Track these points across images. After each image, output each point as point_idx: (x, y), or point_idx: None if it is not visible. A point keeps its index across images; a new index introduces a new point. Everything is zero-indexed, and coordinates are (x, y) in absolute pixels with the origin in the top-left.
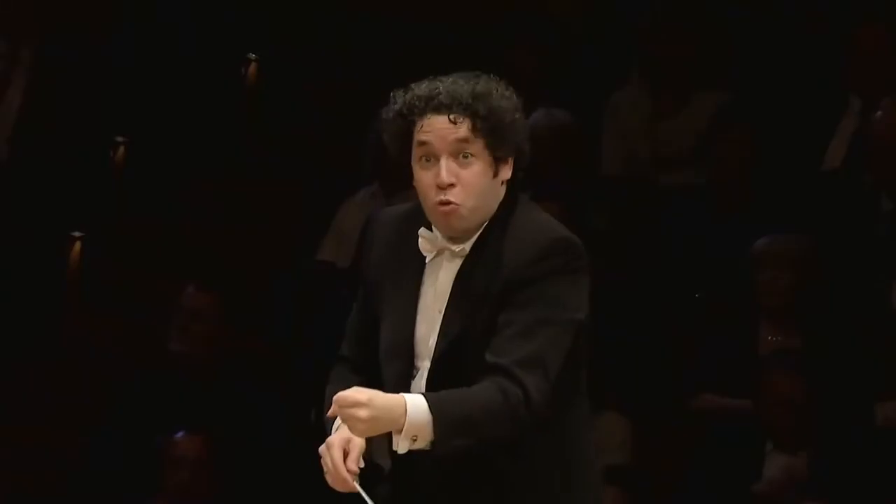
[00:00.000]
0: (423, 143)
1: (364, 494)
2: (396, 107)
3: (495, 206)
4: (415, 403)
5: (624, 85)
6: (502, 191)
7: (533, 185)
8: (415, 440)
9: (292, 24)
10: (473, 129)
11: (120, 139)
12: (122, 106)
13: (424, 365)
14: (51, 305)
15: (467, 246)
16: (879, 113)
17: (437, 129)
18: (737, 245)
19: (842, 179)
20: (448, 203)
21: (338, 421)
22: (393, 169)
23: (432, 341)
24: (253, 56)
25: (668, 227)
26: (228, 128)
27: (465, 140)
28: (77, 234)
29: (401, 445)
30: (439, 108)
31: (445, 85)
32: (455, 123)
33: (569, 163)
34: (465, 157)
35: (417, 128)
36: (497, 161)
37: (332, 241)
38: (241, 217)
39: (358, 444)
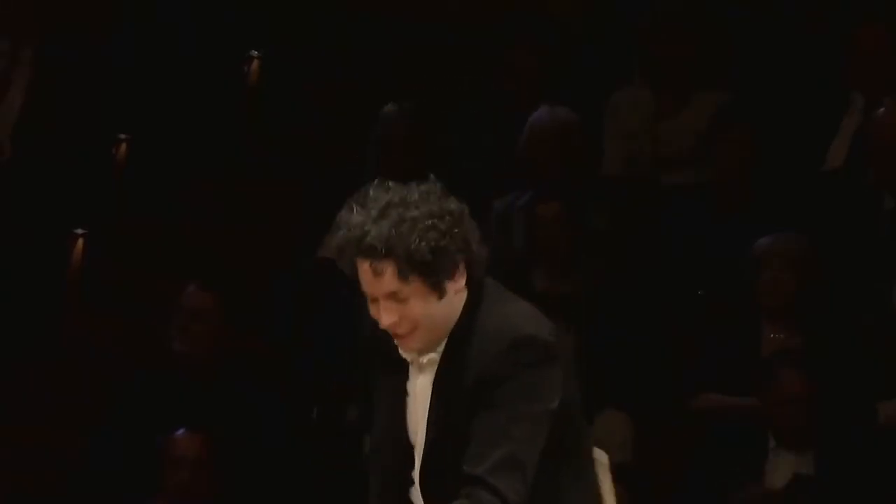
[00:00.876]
0: (362, 284)
1: None
2: (336, 241)
3: (456, 314)
4: None
5: (624, 85)
6: (461, 296)
7: (533, 184)
8: None
9: (292, 24)
10: (399, 275)
11: (122, 136)
12: (122, 105)
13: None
14: (51, 305)
15: (437, 353)
16: (881, 111)
17: (366, 277)
18: (737, 245)
19: (843, 178)
20: (400, 336)
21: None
22: (395, 167)
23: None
24: (255, 53)
25: (669, 227)
26: (229, 127)
27: (393, 289)
28: (80, 231)
29: None
30: (364, 255)
31: (369, 223)
32: (380, 274)
33: (570, 161)
34: (399, 301)
35: (357, 268)
36: (440, 286)
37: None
38: (241, 217)
39: None
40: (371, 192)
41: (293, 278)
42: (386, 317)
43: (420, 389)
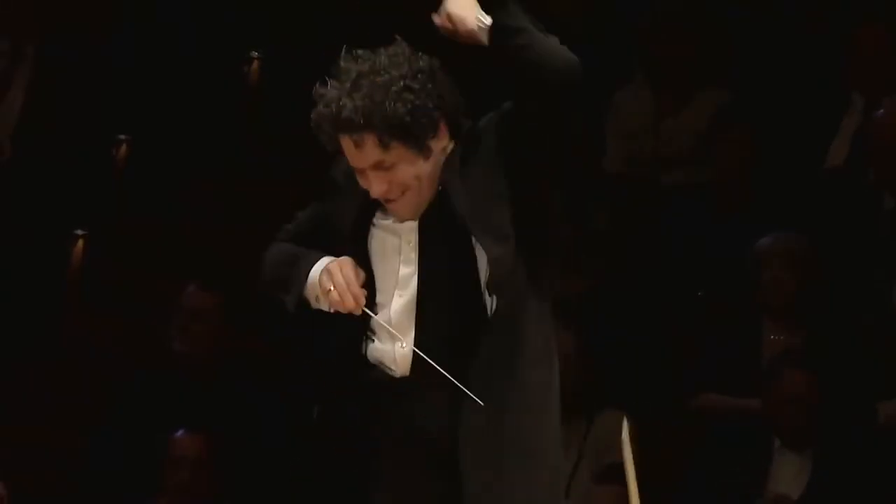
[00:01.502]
0: (347, 159)
1: (371, 313)
2: (315, 117)
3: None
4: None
5: (625, 84)
6: (447, 150)
7: None
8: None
9: (292, 24)
10: (380, 144)
11: (122, 136)
12: (122, 105)
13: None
14: (51, 305)
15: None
16: (881, 111)
17: (349, 151)
18: (737, 245)
19: (843, 178)
20: (391, 201)
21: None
22: None
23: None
24: (255, 54)
25: (669, 227)
26: (229, 128)
27: (377, 159)
28: (80, 231)
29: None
30: (343, 130)
31: (344, 96)
32: (361, 146)
33: (570, 160)
34: (385, 169)
35: (340, 143)
36: (423, 147)
37: None
38: (241, 217)
39: (360, 272)
40: (342, 64)
41: None
42: (376, 186)
43: (394, 243)
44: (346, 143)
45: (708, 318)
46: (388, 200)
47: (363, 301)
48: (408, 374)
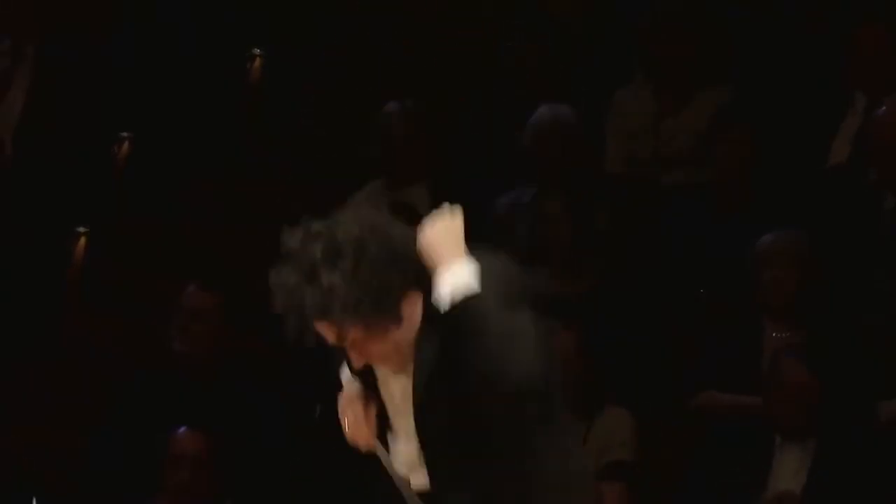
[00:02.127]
0: None
1: (382, 451)
2: (277, 306)
3: (412, 338)
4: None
5: (625, 84)
6: (418, 310)
7: (535, 182)
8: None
9: (292, 24)
10: (341, 331)
11: (124, 134)
12: (122, 105)
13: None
14: (51, 305)
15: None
16: (882, 111)
17: (321, 332)
18: (738, 244)
19: (844, 177)
20: (376, 368)
21: (345, 374)
22: (396, 166)
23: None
24: (257, 51)
25: (669, 227)
26: (229, 127)
27: (345, 343)
28: (81, 229)
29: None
30: (307, 320)
31: (301, 287)
32: (327, 331)
33: (571, 159)
34: (356, 346)
35: None
36: (389, 319)
37: None
38: (241, 217)
39: (371, 404)
40: (299, 242)
41: None
42: (354, 361)
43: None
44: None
45: (708, 317)
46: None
47: (373, 441)
48: None
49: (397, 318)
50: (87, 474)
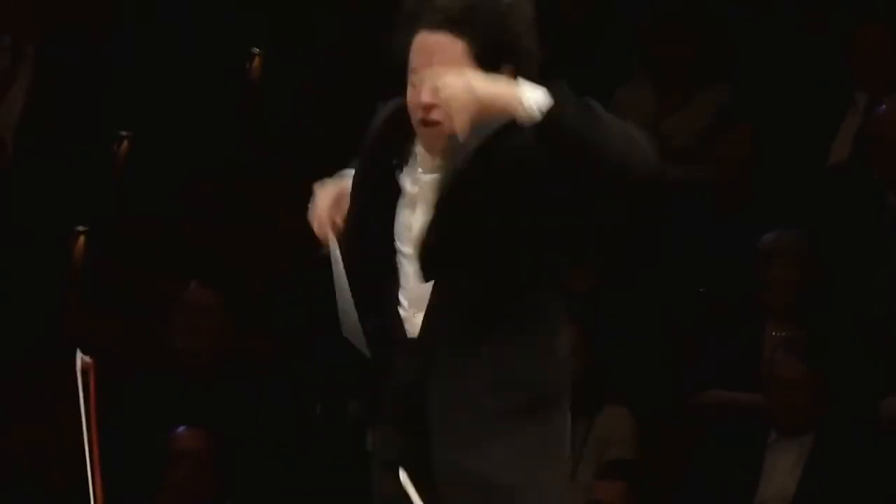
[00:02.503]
0: (411, 61)
1: (334, 249)
2: (399, 18)
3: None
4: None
5: (625, 83)
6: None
7: None
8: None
9: (292, 23)
10: (469, 54)
11: (124, 133)
12: (123, 104)
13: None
14: (50, 305)
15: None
16: (882, 109)
17: (422, 47)
18: (738, 243)
19: (845, 176)
20: (433, 122)
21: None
22: None
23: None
24: (257, 51)
25: (669, 225)
26: (229, 127)
27: (447, 65)
28: (81, 228)
29: (526, 107)
30: (427, 25)
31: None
32: (438, 44)
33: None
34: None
35: (412, 43)
36: (507, 65)
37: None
38: (242, 217)
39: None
40: None
41: (295, 277)
42: (427, 92)
43: (422, 186)
44: (422, 38)
45: (708, 316)
46: (424, 121)
47: (328, 230)
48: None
49: (511, 71)
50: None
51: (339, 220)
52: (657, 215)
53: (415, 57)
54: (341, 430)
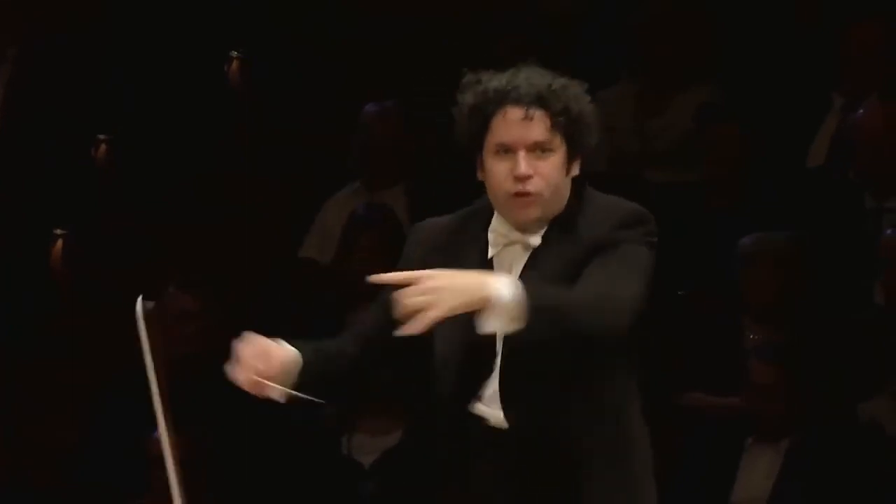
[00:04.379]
0: (499, 136)
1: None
2: (470, 99)
3: (564, 202)
4: (498, 277)
5: (612, 82)
6: (569, 186)
7: None
8: (503, 321)
9: (273, 27)
10: (552, 125)
11: (102, 137)
12: (102, 107)
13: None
14: (30, 308)
15: (540, 237)
16: (861, 111)
17: (515, 123)
18: (722, 243)
19: (826, 177)
20: (527, 194)
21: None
22: (376, 166)
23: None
24: (236, 54)
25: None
26: (209, 130)
27: (544, 137)
28: (60, 231)
29: (489, 322)
30: (517, 101)
31: (523, 77)
32: (532, 119)
33: None
34: (543, 151)
35: (494, 121)
36: (570, 157)
37: (315, 239)
38: (227, 217)
39: (280, 358)
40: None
41: (277, 278)
42: (526, 166)
43: (514, 275)
44: (513, 116)
45: (690, 317)
46: (521, 193)
47: (254, 379)
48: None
49: (570, 164)
50: (75, 477)
51: (265, 372)
52: None
53: (504, 131)
54: (317, 434)
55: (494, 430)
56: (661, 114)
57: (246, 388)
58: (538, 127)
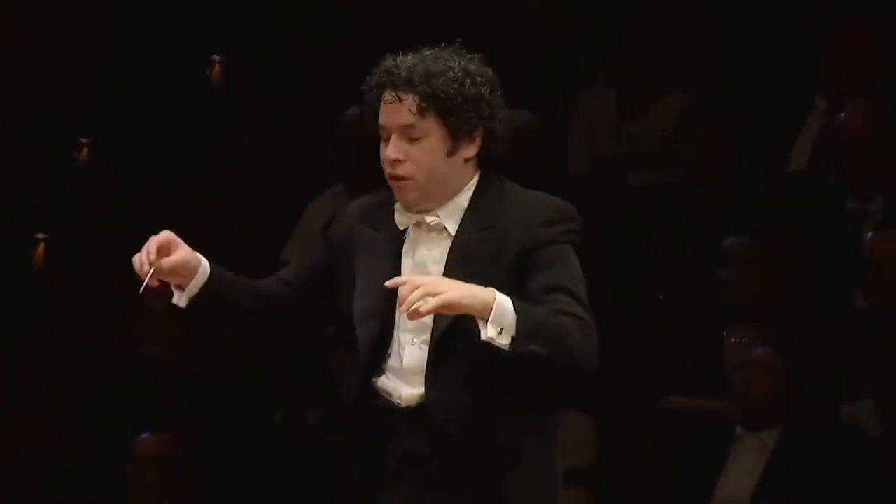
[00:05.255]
0: (379, 120)
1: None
2: (366, 83)
3: (462, 183)
4: (502, 295)
5: (592, 85)
6: (468, 168)
7: None
8: (500, 332)
9: (254, 30)
10: (419, 109)
11: (84, 140)
12: (84, 110)
13: (407, 338)
14: (15, 311)
15: (447, 220)
16: (844, 114)
17: (386, 109)
18: (704, 246)
19: (808, 180)
20: (399, 178)
21: None
22: (358, 169)
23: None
24: (217, 58)
25: (634, 229)
26: (191, 134)
27: (411, 121)
28: (41, 235)
29: (488, 331)
30: (390, 86)
31: (405, 61)
32: (401, 102)
33: (533, 164)
34: (413, 135)
35: (379, 105)
36: (454, 139)
37: (298, 241)
38: (206, 223)
39: (182, 257)
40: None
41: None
42: (393, 150)
43: (419, 255)
44: (388, 99)
45: (674, 319)
46: (393, 176)
47: (146, 266)
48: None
49: (455, 145)
50: (58, 478)
51: (162, 263)
52: (621, 219)
53: (381, 116)
54: (300, 438)
55: (395, 408)
56: (641, 117)
57: (135, 267)
58: (406, 111)
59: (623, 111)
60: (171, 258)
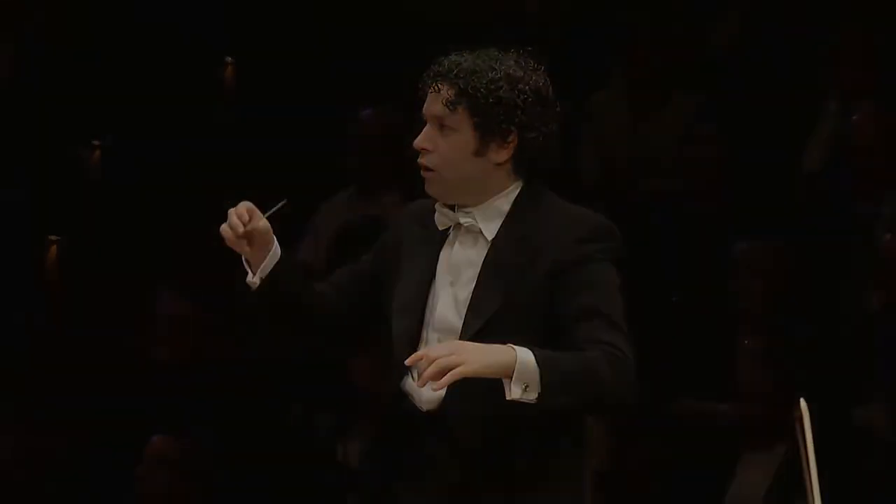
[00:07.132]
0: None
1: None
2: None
3: (496, 187)
4: (522, 350)
5: (601, 89)
6: (501, 173)
7: None
8: (526, 388)
9: (265, 32)
10: (451, 102)
11: (96, 142)
12: (95, 113)
13: (434, 338)
14: (25, 313)
15: (484, 224)
16: (855, 117)
17: (429, 96)
18: (713, 251)
19: (818, 185)
20: (423, 167)
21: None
22: (372, 170)
23: (451, 315)
24: (230, 59)
25: (645, 233)
26: (202, 135)
27: (443, 113)
28: (54, 237)
29: (513, 391)
30: (434, 76)
31: (459, 57)
32: (438, 93)
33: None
34: (444, 127)
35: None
36: (481, 139)
37: (309, 243)
38: (218, 222)
39: (266, 227)
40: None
41: None
42: (423, 138)
43: (453, 255)
44: (431, 88)
45: (683, 324)
46: (420, 165)
47: (239, 228)
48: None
49: (485, 146)
50: (66, 481)
51: (259, 224)
52: (631, 224)
53: (425, 103)
54: (313, 438)
55: (418, 412)
56: (650, 122)
57: (225, 235)
58: (440, 102)
59: (633, 116)
60: (262, 222)
